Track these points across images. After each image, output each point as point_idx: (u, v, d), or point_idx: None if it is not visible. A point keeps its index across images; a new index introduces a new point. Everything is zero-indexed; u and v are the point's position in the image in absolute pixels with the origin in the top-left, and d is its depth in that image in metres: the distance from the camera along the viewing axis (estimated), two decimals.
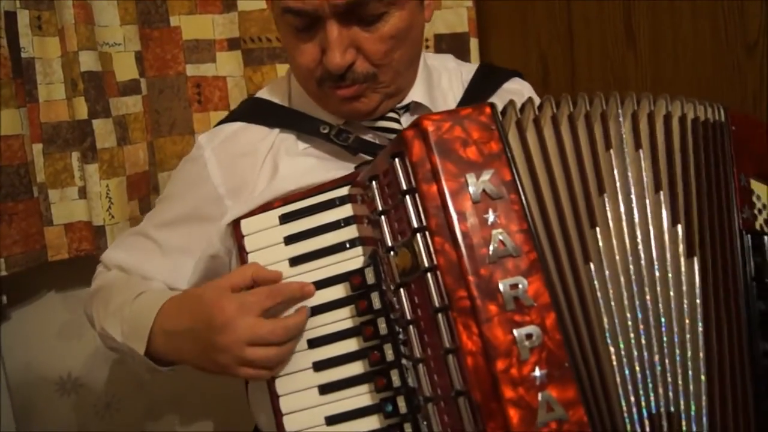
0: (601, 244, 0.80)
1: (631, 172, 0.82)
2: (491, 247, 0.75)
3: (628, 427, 0.77)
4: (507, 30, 1.68)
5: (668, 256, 0.81)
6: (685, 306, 0.80)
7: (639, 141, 0.83)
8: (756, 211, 0.87)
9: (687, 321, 0.80)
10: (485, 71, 1.12)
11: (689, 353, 0.79)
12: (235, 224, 0.95)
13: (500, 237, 0.75)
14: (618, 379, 0.78)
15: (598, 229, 0.81)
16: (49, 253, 1.54)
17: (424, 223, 0.77)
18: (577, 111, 0.84)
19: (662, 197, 0.82)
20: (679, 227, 0.81)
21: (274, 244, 0.93)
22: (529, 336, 0.73)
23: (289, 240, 0.92)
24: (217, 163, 1.02)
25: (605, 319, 0.79)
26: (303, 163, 1.00)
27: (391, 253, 0.82)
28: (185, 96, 1.63)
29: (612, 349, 0.78)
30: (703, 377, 0.79)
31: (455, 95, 1.08)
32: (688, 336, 0.79)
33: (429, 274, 0.76)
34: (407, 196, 0.78)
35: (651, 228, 0.81)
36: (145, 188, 1.60)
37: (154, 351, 0.95)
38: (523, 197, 0.76)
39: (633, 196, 0.81)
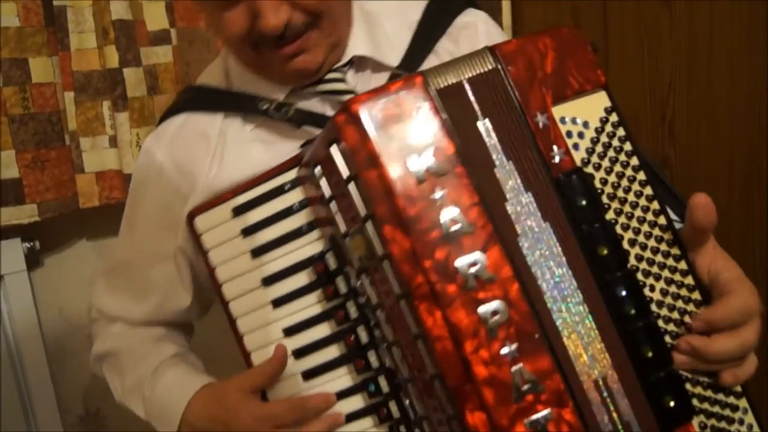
0: (512, 216, 0.74)
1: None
2: (443, 228, 0.71)
3: (586, 393, 0.74)
4: None
5: (537, 227, 0.74)
6: (564, 273, 0.74)
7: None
8: (576, 138, 0.75)
9: (570, 289, 0.74)
10: (432, 8, 1.04)
11: (586, 319, 0.74)
12: (189, 221, 0.92)
13: (451, 216, 0.71)
14: (568, 350, 0.73)
15: (506, 204, 0.74)
16: (81, 200, 1.57)
17: (371, 212, 0.73)
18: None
19: (510, 165, 0.74)
20: (530, 194, 0.74)
21: (231, 238, 0.90)
22: (494, 313, 0.71)
23: (246, 232, 0.89)
24: (172, 163, 0.99)
25: (544, 290, 0.74)
26: (250, 149, 0.96)
27: (347, 239, 0.80)
28: (215, 48, 1.64)
29: (558, 320, 0.73)
30: (599, 338, 0.74)
31: (401, 40, 1.01)
32: (578, 305, 0.74)
33: (386, 262, 0.74)
34: (350, 184, 0.75)
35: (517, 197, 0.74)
36: None
37: None
38: (468, 168, 0.72)
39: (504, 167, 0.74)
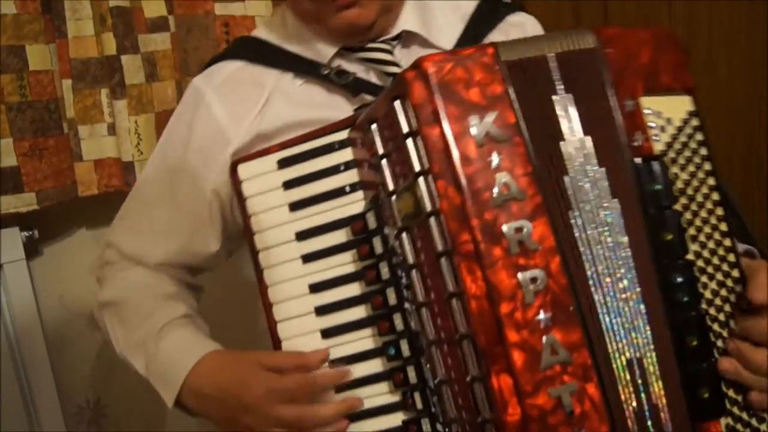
0: (570, 191, 0.77)
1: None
2: (495, 191, 0.73)
3: (615, 372, 0.76)
4: None
5: (602, 202, 0.77)
6: (623, 254, 0.77)
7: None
8: (658, 130, 0.79)
9: (623, 267, 0.77)
10: (485, 6, 1.08)
11: (633, 300, 0.77)
12: (233, 169, 0.93)
13: (504, 180, 0.74)
14: (603, 326, 0.76)
15: (566, 176, 0.77)
16: (80, 188, 1.55)
17: (427, 167, 0.75)
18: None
19: (588, 141, 0.78)
20: (603, 170, 0.77)
21: (272, 189, 0.91)
22: (533, 279, 0.73)
23: (288, 185, 0.91)
24: (221, 104, 1.00)
25: (587, 266, 0.76)
26: (299, 107, 0.98)
27: (393, 197, 0.81)
28: (213, 35, 1.63)
29: (596, 297, 0.76)
30: (647, 322, 0.77)
31: (453, 30, 1.04)
32: (627, 283, 0.77)
33: (432, 219, 0.76)
34: (408, 140, 0.77)
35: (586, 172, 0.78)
36: None
37: (180, 401, 0.95)
38: (527, 140, 0.75)
39: (578, 140, 0.78)
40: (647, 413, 0.75)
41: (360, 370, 0.87)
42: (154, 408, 1.76)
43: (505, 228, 0.73)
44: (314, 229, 0.90)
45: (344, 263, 0.89)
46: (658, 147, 0.79)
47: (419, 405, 0.83)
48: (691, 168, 0.79)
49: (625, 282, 0.76)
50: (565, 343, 0.73)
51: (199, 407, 0.93)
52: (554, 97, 0.77)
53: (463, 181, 0.73)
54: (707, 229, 0.79)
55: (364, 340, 0.88)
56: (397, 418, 0.86)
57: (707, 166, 0.80)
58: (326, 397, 0.87)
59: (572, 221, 0.76)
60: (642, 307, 0.76)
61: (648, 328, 0.76)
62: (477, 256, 0.73)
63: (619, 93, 0.78)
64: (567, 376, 0.72)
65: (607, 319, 0.76)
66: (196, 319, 1.02)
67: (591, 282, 0.76)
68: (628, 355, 0.75)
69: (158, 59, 1.58)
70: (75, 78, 1.52)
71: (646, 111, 0.79)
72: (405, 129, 0.77)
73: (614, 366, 0.75)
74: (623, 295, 0.76)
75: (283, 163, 0.91)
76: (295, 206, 0.91)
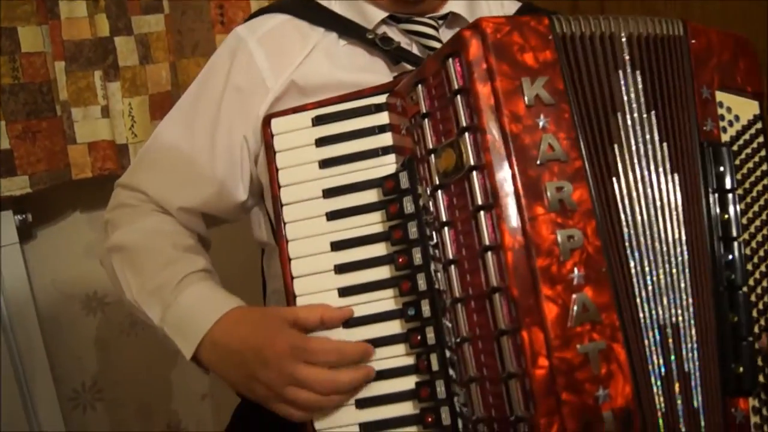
0: (618, 158, 0.81)
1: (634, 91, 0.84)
2: (540, 150, 0.76)
3: (644, 335, 0.78)
4: None
5: (655, 174, 0.82)
6: (673, 224, 0.82)
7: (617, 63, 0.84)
8: (725, 123, 0.87)
9: (672, 238, 0.82)
10: (527, 8, 1.13)
11: (678, 268, 0.81)
12: (265, 123, 0.94)
13: (550, 141, 0.76)
14: (636, 290, 0.79)
15: (615, 144, 0.82)
16: (73, 171, 1.54)
17: (475, 122, 0.77)
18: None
19: (653, 116, 0.83)
20: (665, 145, 0.83)
21: (304, 145, 0.92)
22: (570, 237, 0.75)
23: (321, 142, 0.91)
24: (265, 54, 1.01)
25: (625, 231, 0.80)
26: (340, 67, 1.00)
27: (432, 156, 0.83)
28: (208, 17, 1.64)
29: (631, 262, 0.80)
30: (689, 295, 0.81)
31: None
32: (675, 251, 0.82)
33: (475, 173, 0.77)
34: (458, 96, 0.79)
35: (650, 147, 0.83)
36: (168, 108, 1.58)
37: (197, 355, 0.92)
38: (573, 107, 0.78)
39: (636, 115, 0.83)
40: (676, 378, 0.77)
41: (375, 331, 0.87)
42: (150, 390, 1.76)
43: (547, 186, 0.75)
44: (342, 187, 0.90)
45: (369, 223, 0.89)
46: (724, 138, 0.85)
47: (435, 367, 0.83)
48: (750, 165, 0.86)
49: (673, 253, 0.81)
50: (596, 301, 0.74)
51: (216, 362, 0.91)
52: (620, 72, 0.82)
53: (510, 137, 0.76)
54: (757, 222, 0.85)
55: (381, 301, 0.87)
56: (410, 381, 0.85)
57: (765, 167, 0.87)
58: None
59: (614, 187, 0.79)
60: (687, 276, 0.80)
61: (690, 297, 0.80)
62: (518, 210, 0.74)
63: (698, 80, 0.86)
64: (596, 334, 0.74)
65: (641, 283, 0.78)
66: (214, 275, 1.00)
67: (628, 247, 0.78)
68: (662, 320, 0.78)
69: (152, 41, 1.58)
70: (68, 60, 1.51)
71: (718, 102, 0.86)
72: (456, 85, 0.79)
73: (644, 329, 0.77)
74: (668, 263, 0.80)
75: (318, 121, 0.92)
76: (325, 164, 0.91)
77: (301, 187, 0.91)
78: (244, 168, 1.03)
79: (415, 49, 1.02)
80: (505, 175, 0.75)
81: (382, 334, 0.87)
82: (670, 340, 0.79)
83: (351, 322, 0.87)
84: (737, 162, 0.86)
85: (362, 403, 0.86)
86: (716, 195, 0.85)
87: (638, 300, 0.78)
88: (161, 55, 1.59)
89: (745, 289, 0.82)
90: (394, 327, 0.87)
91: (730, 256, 0.82)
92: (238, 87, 1.02)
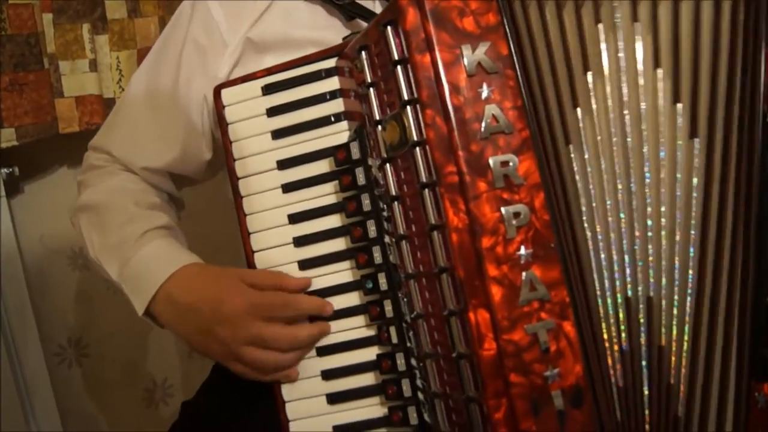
0: (581, 125, 0.77)
1: (624, 47, 0.78)
2: (484, 123, 0.72)
3: (601, 310, 0.76)
4: None
5: (662, 137, 0.77)
6: (678, 192, 0.77)
7: (636, 13, 0.78)
8: None
9: (679, 208, 0.77)
10: None
11: (678, 242, 0.77)
12: (216, 94, 0.91)
13: (493, 112, 0.72)
14: (593, 263, 0.76)
15: (579, 109, 0.77)
16: (60, 125, 1.53)
17: (415, 95, 0.74)
18: None
19: (660, 74, 0.78)
20: (679, 106, 0.77)
21: (256, 115, 0.89)
22: (516, 214, 0.72)
23: (272, 112, 0.88)
24: (221, 9, 0.97)
25: (583, 202, 0.77)
26: (295, 26, 0.96)
27: (379, 126, 0.80)
28: None
29: (589, 233, 0.76)
30: (690, 271, 0.77)
31: None
32: (679, 224, 0.77)
33: (417, 149, 0.74)
34: (398, 67, 0.75)
35: (644, 105, 0.77)
36: None
37: (153, 310, 0.92)
38: (519, 73, 0.74)
39: (623, 73, 0.77)
40: (644, 354, 0.75)
41: (336, 302, 0.86)
42: (136, 347, 1.78)
43: (491, 161, 0.72)
44: (296, 158, 0.88)
45: (325, 194, 0.87)
46: None
47: (394, 339, 0.83)
48: None
49: (663, 222, 0.77)
50: (544, 279, 0.72)
51: (170, 317, 0.91)
52: (599, 27, 0.76)
53: (452, 111, 0.72)
54: None
55: (341, 272, 0.86)
56: (371, 353, 0.85)
57: None
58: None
59: (572, 156, 0.76)
60: (688, 250, 0.76)
61: (679, 271, 0.76)
62: (461, 189, 0.72)
63: None
64: (544, 313, 0.72)
65: (600, 257, 0.76)
66: (177, 233, 1.00)
67: (586, 219, 0.75)
68: (628, 294, 0.76)
69: None
70: (56, 12, 1.49)
71: None
72: (395, 56, 0.75)
73: (601, 305, 0.75)
74: (644, 234, 0.77)
75: (268, 90, 0.89)
76: (277, 134, 0.88)
77: (256, 159, 0.89)
78: (205, 126, 1.01)
79: (378, 6, 0.97)
80: (446, 152, 0.72)
81: (344, 305, 0.86)
82: (641, 314, 0.76)
83: (312, 294, 0.87)
84: None
85: (328, 375, 0.87)
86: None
87: (595, 275, 0.76)
88: (150, 9, 1.57)
89: None
90: (353, 299, 0.86)
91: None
92: (196, 42, 0.99)
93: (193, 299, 0.88)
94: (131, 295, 0.93)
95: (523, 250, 0.72)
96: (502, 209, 0.72)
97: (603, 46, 0.77)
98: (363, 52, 0.81)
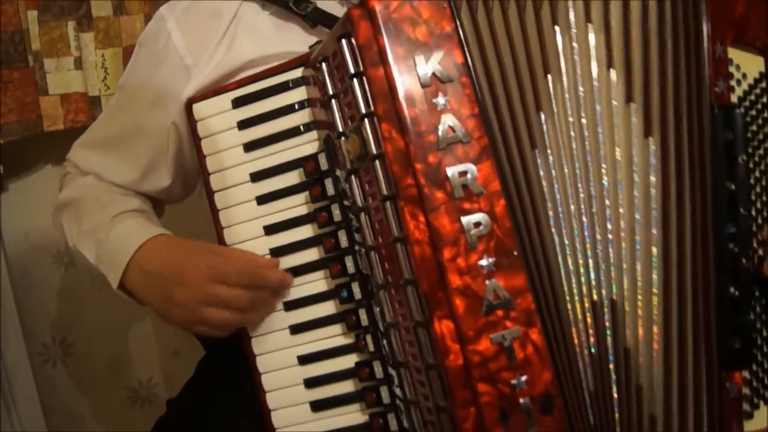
0: (545, 128, 0.76)
1: (579, 49, 0.77)
2: (440, 133, 0.72)
3: (570, 315, 0.76)
4: None
5: (617, 137, 0.76)
6: (636, 192, 0.76)
7: (588, 14, 0.77)
8: (734, 82, 0.80)
9: (638, 208, 0.77)
10: None
11: (639, 242, 0.76)
12: (188, 108, 0.91)
13: (450, 123, 0.72)
14: (562, 268, 0.76)
15: (542, 113, 0.77)
16: (45, 123, 1.53)
17: (372, 109, 0.73)
18: None
19: (613, 74, 0.77)
20: (633, 105, 0.76)
21: (227, 129, 0.90)
22: (477, 224, 0.71)
23: (243, 125, 0.89)
24: (181, 33, 0.96)
25: (549, 206, 0.76)
26: (262, 40, 0.95)
27: (342, 138, 0.80)
28: None
29: (556, 238, 0.76)
30: (654, 269, 0.76)
31: None
32: (638, 224, 0.77)
33: (377, 161, 0.74)
34: (355, 80, 0.74)
35: (599, 108, 0.77)
36: None
37: (127, 284, 0.93)
38: (474, 80, 0.73)
39: (579, 75, 0.77)
40: (611, 357, 0.75)
41: (314, 312, 0.87)
42: (121, 345, 1.78)
43: (449, 171, 0.72)
44: (268, 170, 0.88)
45: (297, 205, 0.88)
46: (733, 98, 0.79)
47: (371, 347, 0.83)
48: (753, 128, 0.80)
49: (622, 224, 0.77)
50: (508, 287, 0.72)
51: (141, 287, 0.92)
52: (556, 29, 0.76)
53: (408, 123, 0.72)
54: (763, 184, 0.80)
55: (317, 282, 0.87)
56: (350, 360, 0.86)
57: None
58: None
59: (538, 160, 0.75)
60: (650, 249, 0.77)
61: (642, 270, 0.76)
62: (420, 201, 0.72)
63: (712, 37, 0.78)
64: (509, 321, 0.72)
65: (566, 261, 0.75)
66: (150, 215, 1.01)
67: (553, 223, 0.75)
68: (594, 298, 0.75)
69: None
70: (41, 9, 1.48)
71: (728, 62, 0.79)
72: (351, 69, 0.75)
73: (570, 310, 0.75)
74: (605, 236, 0.77)
75: (238, 103, 0.89)
76: (249, 147, 0.89)
77: (229, 172, 0.90)
78: (170, 154, 1.01)
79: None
80: (404, 165, 0.72)
81: (321, 315, 0.87)
82: (607, 318, 0.76)
83: (289, 304, 0.88)
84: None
85: (310, 383, 0.88)
86: (724, 163, 0.78)
87: (564, 280, 0.75)
88: (135, 7, 1.56)
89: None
90: (330, 308, 0.87)
91: (733, 229, 0.76)
92: (162, 73, 0.98)
93: (159, 266, 0.89)
94: (107, 273, 0.94)
95: (485, 260, 0.71)
96: (462, 219, 0.71)
97: (560, 47, 0.76)
98: (323, 64, 0.80)
